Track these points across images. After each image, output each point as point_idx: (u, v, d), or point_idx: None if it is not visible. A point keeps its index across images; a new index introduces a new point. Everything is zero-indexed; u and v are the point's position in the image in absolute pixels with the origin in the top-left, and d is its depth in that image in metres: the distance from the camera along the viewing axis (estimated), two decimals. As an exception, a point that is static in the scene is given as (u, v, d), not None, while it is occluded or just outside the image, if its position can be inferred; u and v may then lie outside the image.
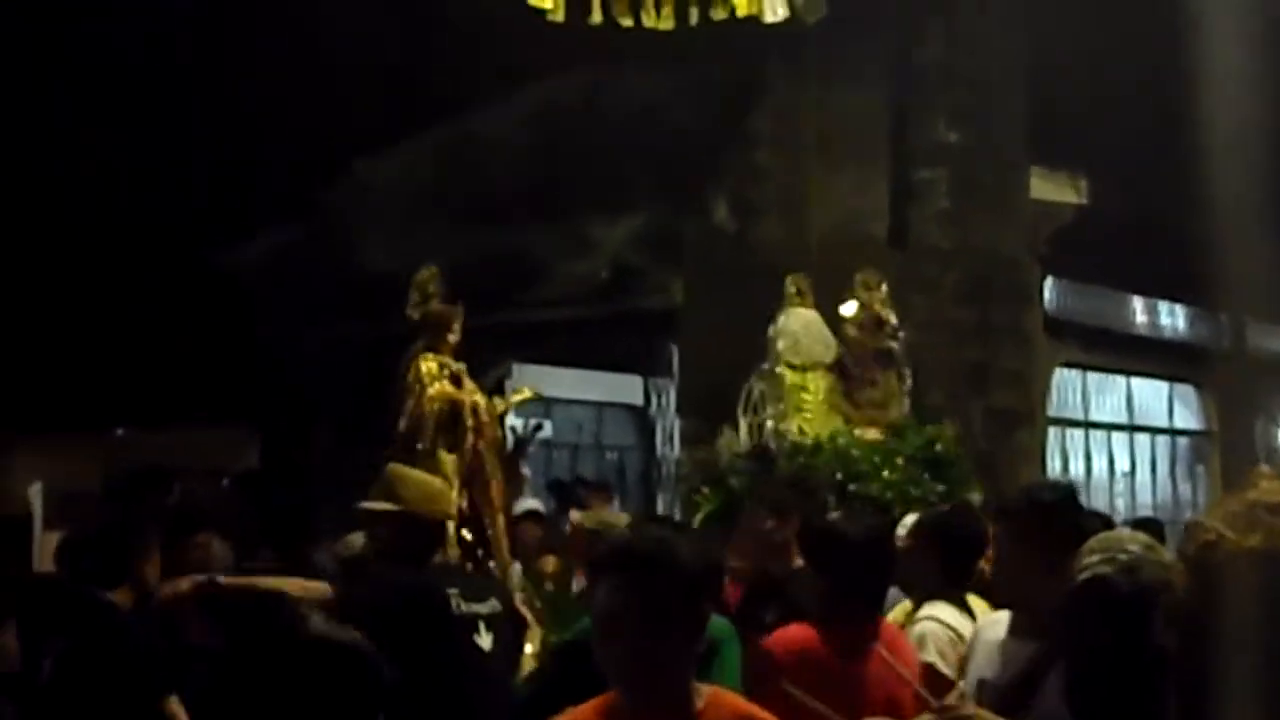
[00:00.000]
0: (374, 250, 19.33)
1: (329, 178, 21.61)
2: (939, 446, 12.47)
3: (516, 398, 10.57)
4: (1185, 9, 2.66)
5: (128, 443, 19.72)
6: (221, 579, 7.39)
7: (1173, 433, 23.83)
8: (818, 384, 12.67)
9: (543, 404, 21.81)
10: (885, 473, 11.95)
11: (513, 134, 21.11)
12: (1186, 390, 23.51)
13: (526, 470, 16.17)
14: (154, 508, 11.84)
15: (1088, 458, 22.21)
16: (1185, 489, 23.60)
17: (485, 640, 7.53)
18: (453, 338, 9.59)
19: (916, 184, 15.24)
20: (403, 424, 9.40)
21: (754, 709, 4.40)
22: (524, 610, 8.55)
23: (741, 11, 10.29)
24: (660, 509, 20.14)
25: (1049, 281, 17.98)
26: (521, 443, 16.77)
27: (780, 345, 12.69)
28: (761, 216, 15.64)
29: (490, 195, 20.50)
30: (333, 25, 18.79)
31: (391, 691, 3.72)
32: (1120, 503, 22.15)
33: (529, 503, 14.21)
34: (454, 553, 9.13)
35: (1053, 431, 19.21)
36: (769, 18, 10.51)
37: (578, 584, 9.46)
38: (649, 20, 10.08)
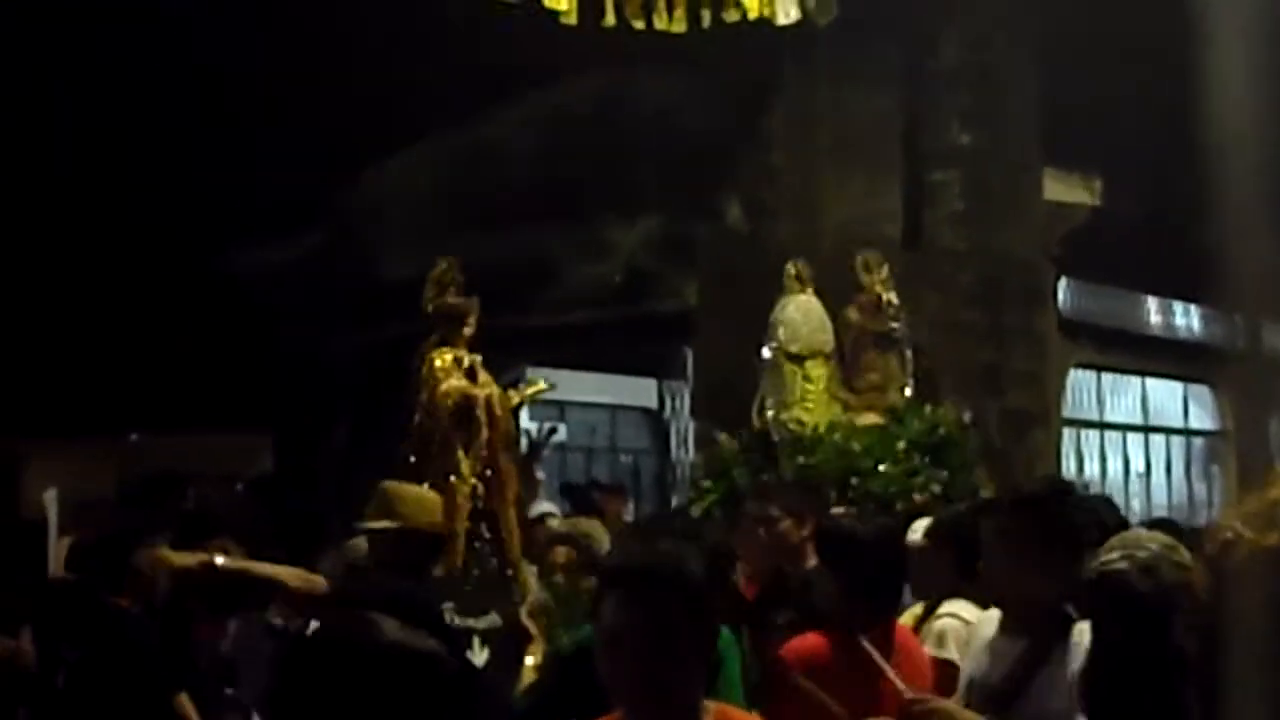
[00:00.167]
0: (389, 255, 19.36)
1: (344, 183, 21.63)
2: (941, 430, 12.41)
3: (530, 390, 10.55)
4: (1196, 9, 2.66)
5: (142, 448, 19.75)
6: (220, 561, 7.32)
7: (1188, 433, 23.80)
8: (818, 371, 12.61)
9: (557, 407, 21.84)
10: (885, 464, 11.87)
11: (527, 138, 21.14)
12: (1201, 391, 23.48)
13: (541, 473, 16.18)
14: (168, 513, 11.88)
15: (1103, 459, 22.19)
16: (1200, 490, 23.57)
17: (479, 656, 7.47)
18: (468, 330, 9.55)
19: (930, 186, 15.24)
20: (417, 418, 9.39)
21: None
22: (528, 623, 8.53)
23: (753, 14, 10.29)
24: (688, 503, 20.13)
25: (1063, 282, 17.98)
26: (536, 446, 16.82)
27: (780, 333, 12.63)
28: (775, 219, 15.63)
29: (505, 199, 20.52)
30: (348, 31, 18.82)
31: (462, 697, 3.72)
32: (1135, 504, 22.11)
33: (544, 505, 14.21)
34: (459, 552, 9.15)
35: (1067, 432, 19.18)
36: (781, 20, 10.51)
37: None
38: (661, 23, 10.08)
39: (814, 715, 5.91)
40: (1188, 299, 21.50)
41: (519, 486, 9.83)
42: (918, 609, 7.46)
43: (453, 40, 17.58)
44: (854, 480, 11.65)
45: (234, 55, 19.50)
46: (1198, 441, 23.85)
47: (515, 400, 9.83)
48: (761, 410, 12.67)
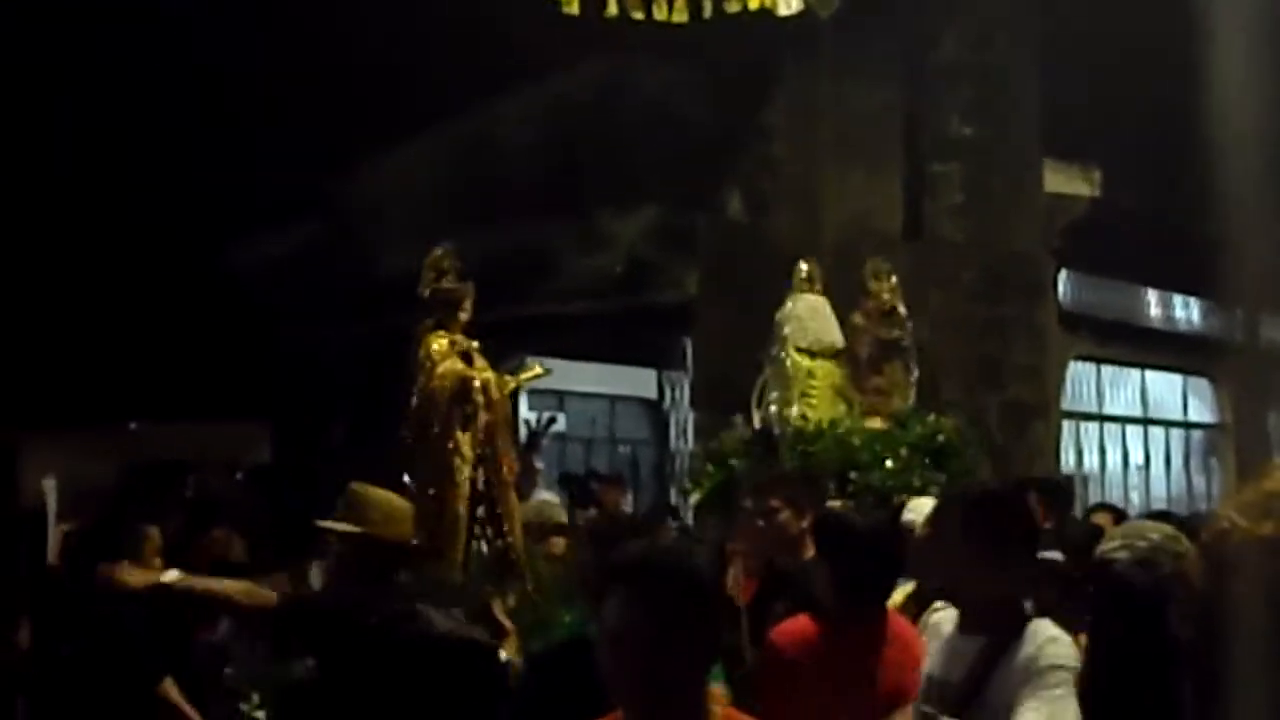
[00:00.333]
0: (388, 247, 19.37)
1: (343, 176, 21.63)
2: (941, 437, 12.41)
3: (526, 375, 10.52)
4: (1196, 4, 2.66)
5: (141, 437, 19.78)
6: (170, 580, 7.25)
7: (1187, 426, 23.81)
8: (825, 370, 12.60)
9: (556, 397, 21.86)
10: (887, 462, 11.88)
11: (527, 129, 21.14)
12: (1201, 383, 23.49)
13: (540, 463, 16.18)
14: (169, 500, 11.89)
15: (1102, 451, 22.20)
16: (1199, 482, 23.59)
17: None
18: (464, 315, 9.55)
19: (930, 178, 15.25)
20: (414, 402, 9.40)
21: None
22: (502, 619, 8.52)
23: (755, 4, 10.30)
24: (674, 503, 20.15)
25: (1063, 275, 17.98)
26: (535, 435, 16.84)
27: (787, 330, 12.63)
28: (775, 210, 15.65)
29: (505, 190, 20.52)
30: (346, 25, 18.82)
31: (509, 686, 3.72)
32: (1135, 496, 22.14)
33: (544, 496, 14.20)
34: (462, 533, 9.17)
35: (1067, 425, 19.19)
36: (783, 11, 10.52)
37: None
38: (661, 14, 10.08)
39: (804, 698, 5.92)
40: (1187, 292, 21.52)
41: (517, 470, 9.83)
42: (908, 587, 7.45)
43: (452, 31, 17.58)
44: (853, 475, 11.65)
45: (233, 51, 19.52)
46: (1197, 434, 23.87)
47: (511, 385, 9.83)
48: (762, 405, 12.67)
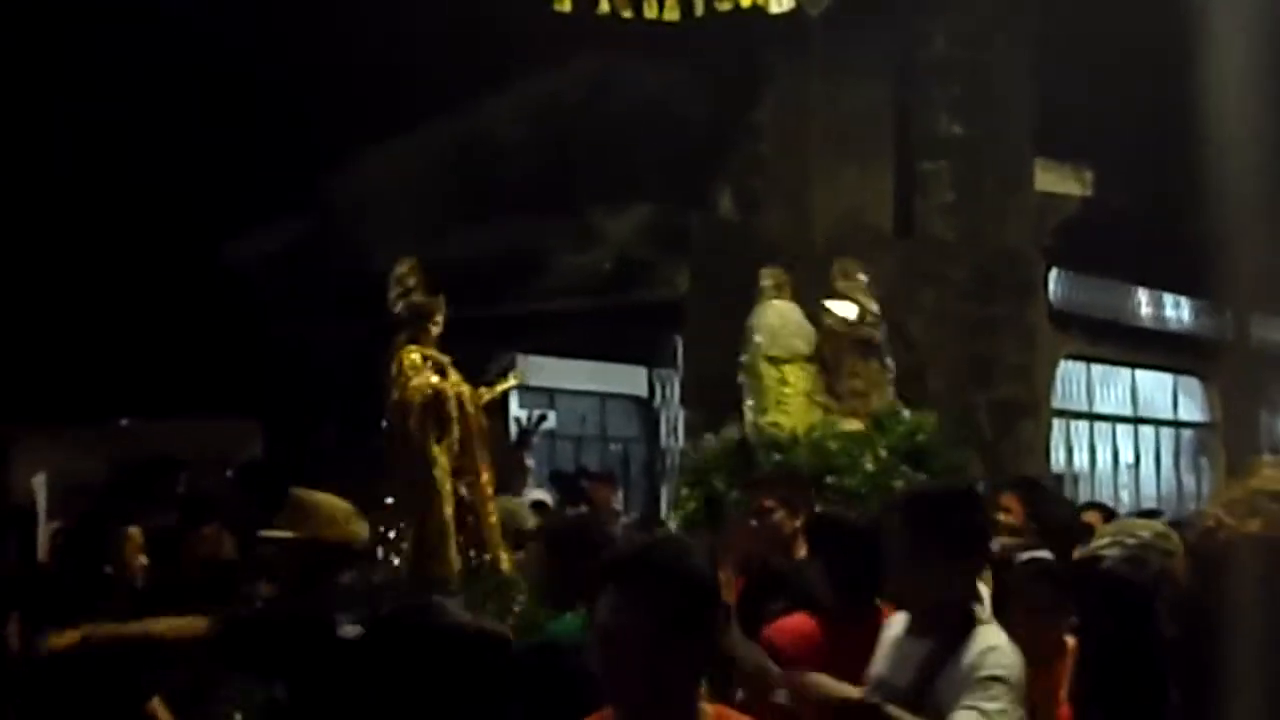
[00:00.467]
0: (379, 244, 19.36)
1: (335, 171, 21.64)
2: (920, 436, 12.35)
3: (500, 386, 10.49)
4: (1188, 4, 2.67)
5: (132, 433, 19.75)
6: (95, 633, 7.18)
7: (1177, 425, 23.85)
8: (797, 376, 12.54)
9: (547, 395, 21.86)
10: (867, 465, 11.82)
11: (518, 127, 21.15)
12: (1191, 382, 23.53)
13: (530, 461, 16.18)
14: (160, 497, 11.87)
15: (1092, 449, 22.24)
16: (1189, 481, 23.63)
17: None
18: (435, 329, 9.58)
19: (921, 176, 15.24)
20: (389, 416, 9.44)
21: None
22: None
23: (747, 2, 10.30)
24: (664, 501, 20.15)
25: (1053, 273, 17.99)
26: (525, 433, 16.84)
27: (757, 339, 12.59)
28: (766, 208, 15.64)
29: (496, 188, 20.54)
30: (343, 22, 18.81)
31: (523, 677, 3.69)
32: (1125, 494, 22.18)
33: (535, 494, 14.21)
34: (450, 545, 9.17)
35: (1057, 423, 19.21)
36: (773, 8, 10.53)
37: None
38: (652, 12, 10.08)
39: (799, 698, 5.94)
40: (1178, 291, 21.55)
41: (495, 480, 9.83)
42: None
43: (444, 31, 17.59)
44: (830, 479, 11.60)
45: (225, 47, 19.51)
46: (1187, 433, 23.90)
47: (486, 397, 9.84)
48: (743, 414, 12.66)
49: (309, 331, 20.59)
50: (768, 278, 12.81)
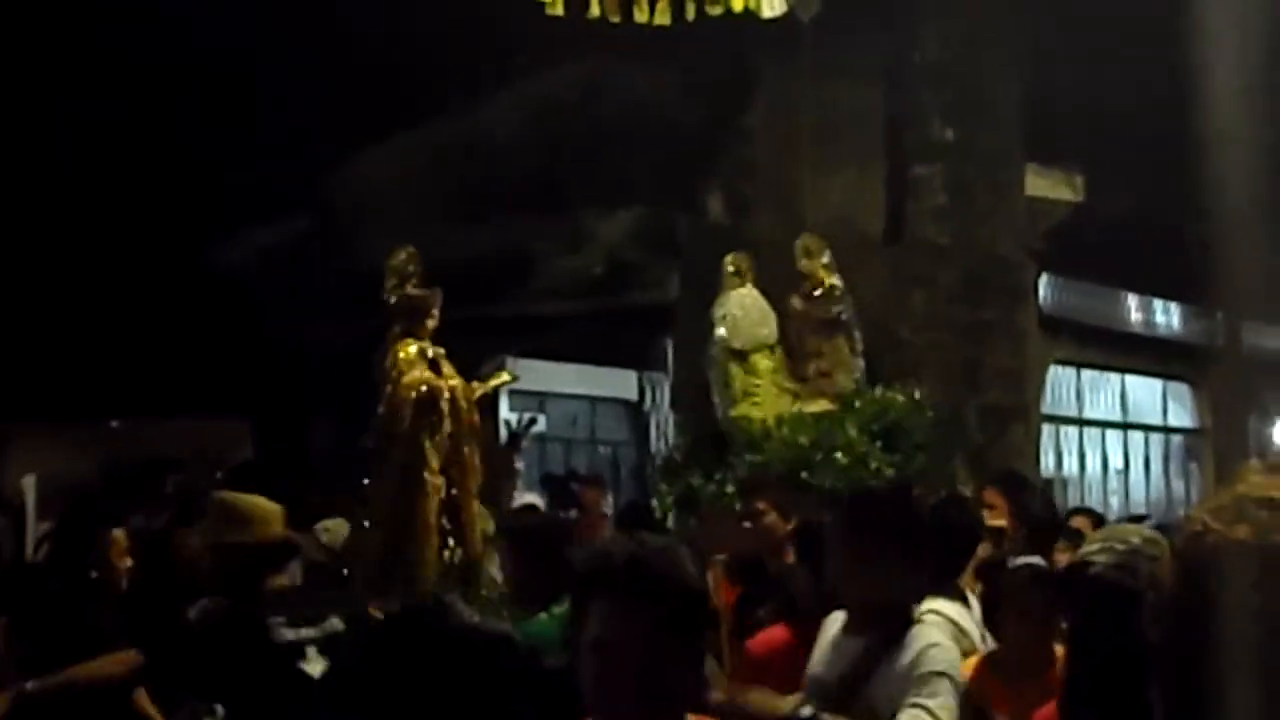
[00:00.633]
0: (372, 244, 19.35)
1: (327, 172, 21.62)
2: (891, 413, 12.29)
3: (494, 382, 10.47)
4: (1182, 6, 2.67)
5: (122, 434, 19.75)
6: (30, 687, 7.15)
7: (1166, 430, 23.86)
8: (764, 364, 12.50)
9: (537, 398, 21.85)
10: (837, 454, 11.73)
11: (509, 129, 21.14)
12: (1180, 388, 23.54)
13: (520, 464, 16.16)
14: (149, 498, 11.86)
15: (1081, 455, 22.25)
16: (1179, 487, 23.64)
17: (315, 666, 7.29)
18: (431, 322, 9.54)
19: (912, 180, 15.25)
20: (381, 409, 9.42)
21: None
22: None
23: (738, 7, 10.31)
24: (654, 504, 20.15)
25: (1044, 278, 18.00)
26: (515, 436, 16.80)
27: (720, 331, 12.54)
28: (756, 212, 15.65)
29: (485, 190, 20.52)
30: (337, 23, 18.80)
31: (543, 678, 3.67)
32: (1114, 500, 22.18)
33: (527, 497, 14.20)
34: (433, 543, 9.17)
35: (1047, 429, 19.21)
36: (765, 13, 10.54)
37: None
38: (643, 15, 10.08)
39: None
40: (1168, 297, 21.56)
41: (482, 478, 9.81)
42: None
43: (437, 32, 17.58)
44: (804, 475, 11.55)
45: (221, 47, 19.50)
46: (1176, 439, 23.92)
47: (479, 392, 9.82)
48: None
49: (302, 331, 20.57)
50: (731, 264, 12.77)
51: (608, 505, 16.29)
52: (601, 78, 19.98)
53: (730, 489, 11.06)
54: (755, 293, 12.70)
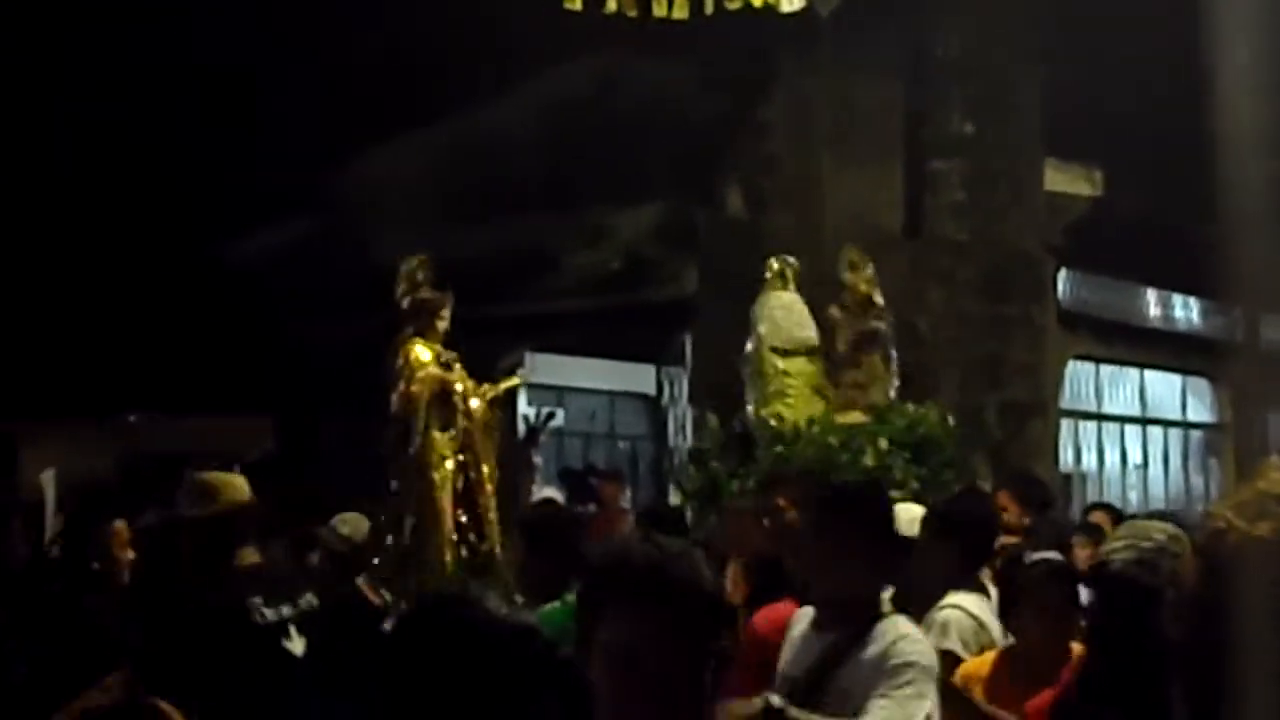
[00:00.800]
0: (387, 241, 19.38)
1: (342, 170, 21.65)
2: (922, 429, 12.29)
3: (505, 384, 10.49)
4: (1199, 3, 2.66)
5: (141, 429, 19.76)
6: None
7: (1186, 425, 23.79)
8: (801, 368, 12.49)
9: (556, 393, 21.85)
10: (866, 459, 11.75)
11: (526, 125, 21.16)
12: (1200, 383, 23.47)
13: (538, 458, 16.18)
14: (164, 494, 11.86)
15: (1100, 450, 22.19)
16: (1198, 482, 23.57)
17: (296, 644, 7.27)
18: (441, 325, 9.66)
19: (931, 176, 15.23)
20: (394, 408, 9.49)
21: None
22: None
23: (757, 1, 10.29)
24: (672, 498, 20.14)
25: (1063, 274, 17.97)
26: (534, 431, 16.83)
27: (761, 330, 12.53)
28: (775, 207, 15.63)
29: (504, 186, 20.55)
30: (346, 17, 18.81)
31: (562, 671, 3.64)
32: (1133, 495, 22.13)
33: (546, 491, 14.21)
34: (449, 538, 9.21)
35: (1065, 424, 19.18)
36: (785, 7, 10.51)
37: None
38: (660, 10, 10.07)
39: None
40: (1187, 292, 21.49)
41: (498, 474, 9.86)
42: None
43: (452, 28, 17.59)
44: (831, 475, 11.53)
45: (234, 45, 19.52)
46: (1195, 434, 23.85)
47: (490, 394, 9.86)
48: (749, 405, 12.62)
49: (319, 328, 20.60)
50: (776, 266, 12.77)
51: (626, 500, 16.31)
52: (619, 73, 20.00)
53: (754, 485, 11.05)
54: (797, 298, 12.68)
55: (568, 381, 22.41)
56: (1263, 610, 2.71)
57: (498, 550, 9.49)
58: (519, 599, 8.04)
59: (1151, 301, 21.74)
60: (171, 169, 20.21)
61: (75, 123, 20.35)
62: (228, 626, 6.81)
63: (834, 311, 12.66)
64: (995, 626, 6.75)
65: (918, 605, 7.16)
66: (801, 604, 6.64)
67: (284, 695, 6.81)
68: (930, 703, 4.92)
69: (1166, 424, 23.50)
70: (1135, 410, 22.96)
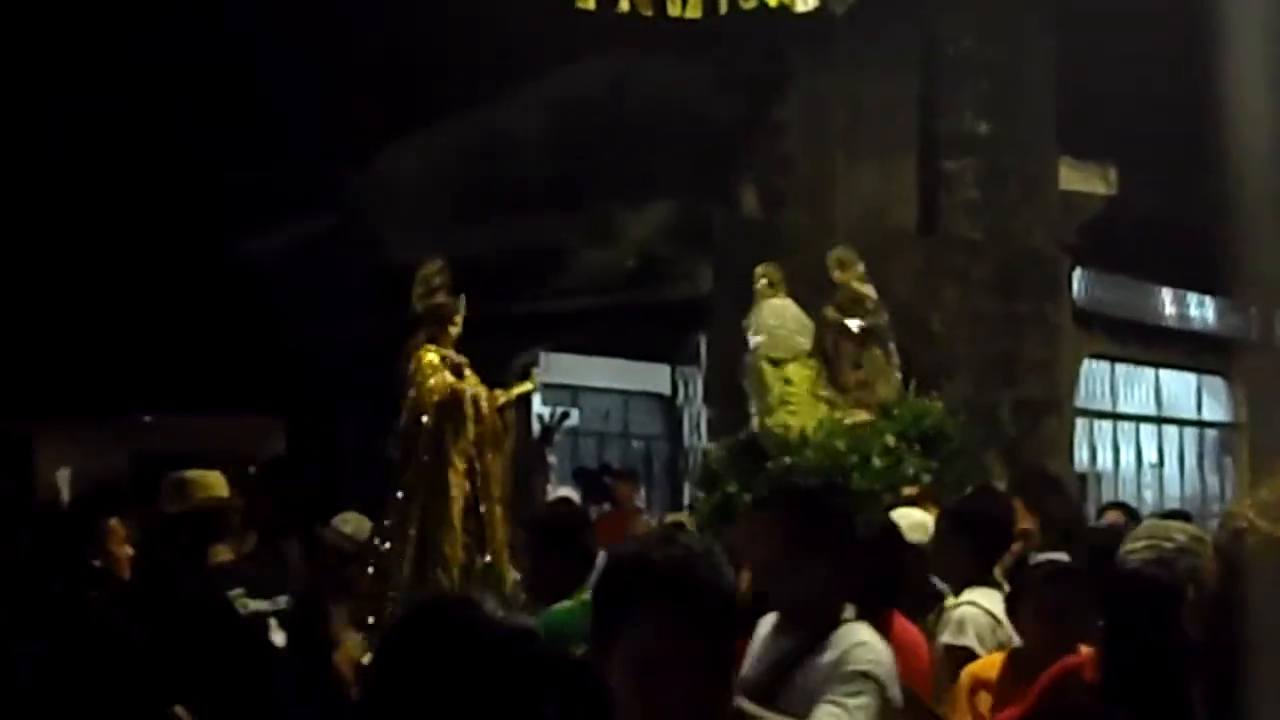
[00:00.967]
0: (399, 240, 19.39)
1: (354, 169, 21.66)
2: (928, 421, 12.28)
3: (518, 389, 10.49)
4: (1214, 1, 2.65)
5: (155, 429, 19.81)
6: None
7: (1201, 425, 23.75)
8: (800, 374, 12.49)
9: (570, 392, 21.87)
10: (875, 459, 11.72)
11: (539, 124, 21.17)
12: (1215, 382, 23.43)
13: (553, 458, 16.20)
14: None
15: (1115, 449, 22.16)
16: (1213, 481, 23.53)
17: (278, 637, 7.29)
18: (454, 330, 9.68)
19: (945, 174, 15.20)
20: (405, 414, 9.51)
21: None
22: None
23: (772, 1, 10.30)
24: (686, 498, 20.15)
25: (1077, 272, 17.94)
26: (548, 431, 16.86)
27: (756, 340, 12.54)
28: (789, 206, 15.62)
29: (517, 185, 20.56)
30: (358, 16, 18.82)
31: (572, 673, 3.64)
32: (1148, 494, 22.10)
33: (561, 490, 14.23)
34: (458, 544, 9.22)
35: (1080, 423, 19.14)
36: (799, 6, 10.52)
37: None
38: (675, 9, 10.08)
39: None
40: (1202, 290, 21.46)
41: (509, 481, 9.87)
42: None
43: (464, 26, 17.59)
44: (840, 479, 11.50)
45: (247, 45, 19.54)
46: (1211, 433, 23.81)
47: (501, 400, 9.87)
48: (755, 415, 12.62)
49: (332, 328, 20.62)
50: (762, 276, 12.78)
51: (640, 499, 16.32)
52: (632, 71, 19.98)
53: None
54: (790, 302, 12.70)
55: (582, 381, 22.45)
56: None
57: (502, 561, 9.50)
58: (527, 598, 8.07)
59: (1167, 300, 21.70)
60: (181, 169, 20.22)
61: (80, 123, 20.36)
62: (214, 619, 6.81)
63: (829, 312, 12.67)
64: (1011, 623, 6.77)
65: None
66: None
67: (272, 689, 6.81)
68: (876, 712, 4.88)
69: (1182, 423, 23.46)
70: (1150, 409, 22.92)
